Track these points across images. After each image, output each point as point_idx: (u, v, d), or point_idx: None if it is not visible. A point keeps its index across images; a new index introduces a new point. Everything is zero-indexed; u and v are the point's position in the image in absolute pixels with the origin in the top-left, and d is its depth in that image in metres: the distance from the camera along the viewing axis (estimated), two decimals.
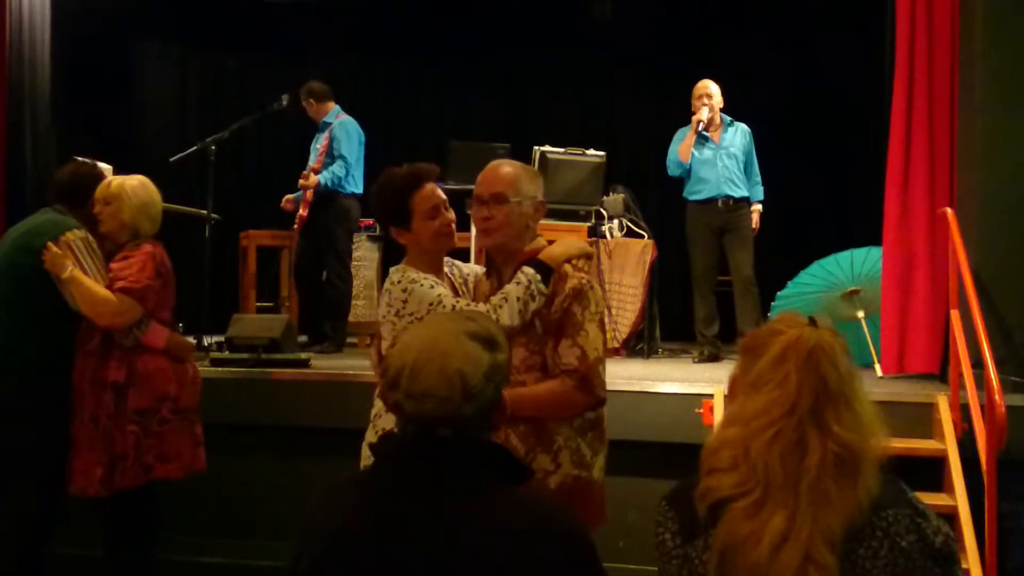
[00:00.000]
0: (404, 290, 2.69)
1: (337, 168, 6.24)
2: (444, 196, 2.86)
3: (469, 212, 2.84)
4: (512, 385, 2.49)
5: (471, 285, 2.91)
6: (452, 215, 2.85)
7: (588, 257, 2.78)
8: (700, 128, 6.07)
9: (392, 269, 2.82)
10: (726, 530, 1.51)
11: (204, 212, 5.98)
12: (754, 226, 6.19)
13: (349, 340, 6.57)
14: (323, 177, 6.25)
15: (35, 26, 6.67)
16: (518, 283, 2.62)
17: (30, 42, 6.62)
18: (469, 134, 7.24)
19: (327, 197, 6.29)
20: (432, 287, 2.69)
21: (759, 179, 6.30)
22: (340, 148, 6.28)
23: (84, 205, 3.70)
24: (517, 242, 2.71)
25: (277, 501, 4.69)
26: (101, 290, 3.49)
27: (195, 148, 6.15)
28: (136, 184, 3.69)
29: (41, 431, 3.53)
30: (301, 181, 6.34)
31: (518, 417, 2.52)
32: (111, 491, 3.47)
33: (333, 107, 6.50)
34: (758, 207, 6.26)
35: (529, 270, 2.62)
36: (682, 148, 6.14)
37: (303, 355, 5.43)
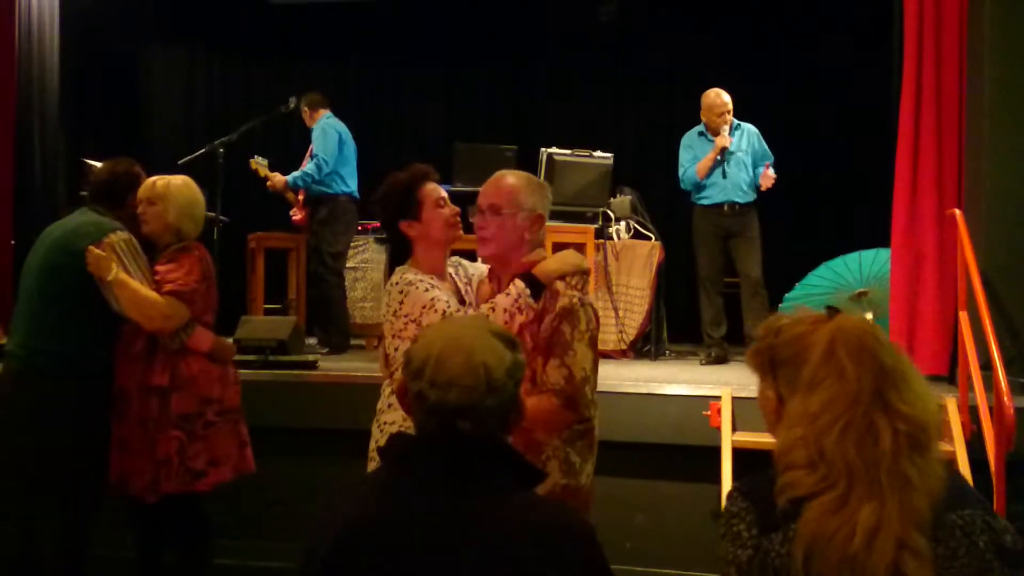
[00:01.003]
0: (401, 291, 2.78)
1: (309, 167, 6.30)
2: (445, 193, 2.95)
3: (471, 220, 2.88)
4: None
5: (474, 286, 2.95)
6: (456, 207, 2.95)
7: (584, 273, 2.72)
8: (725, 151, 6.02)
9: (398, 267, 2.89)
10: (813, 526, 1.50)
11: (212, 214, 5.98)
12: (765, 183, 6.02)
13: (356, 342, 6.58)
14: (292, 177, 6.34)
15: (44, 28, 6.70)
16: (507, 295, 2.65)
17: (39, 44, 6.65)
18: (476, 136, 7.24)
19: (317, 198, 6.36)
20: (427, 290, 2.75)
21: (769, 164, 6.17)
22: (316, 148, 6.33)
23: (123, 205, 3.66)
24: (513, 253, 2.73)
25: (285, 502, 4.70)
26: (149, 293, 3.45)
27: (203, 150, 6.16)
28: (181, 184, 3.66)
29: (79, 431, 3.47)
30: (268, 184, 6.47)
31: None
32: (157, 497, 3.46)
33: (323, 113, 6.53)
34: (767, 170, 6.04)
35: (520, 283, 2.65)
36: (700, 167, 6.09)
37: (310, 357, 5.44)
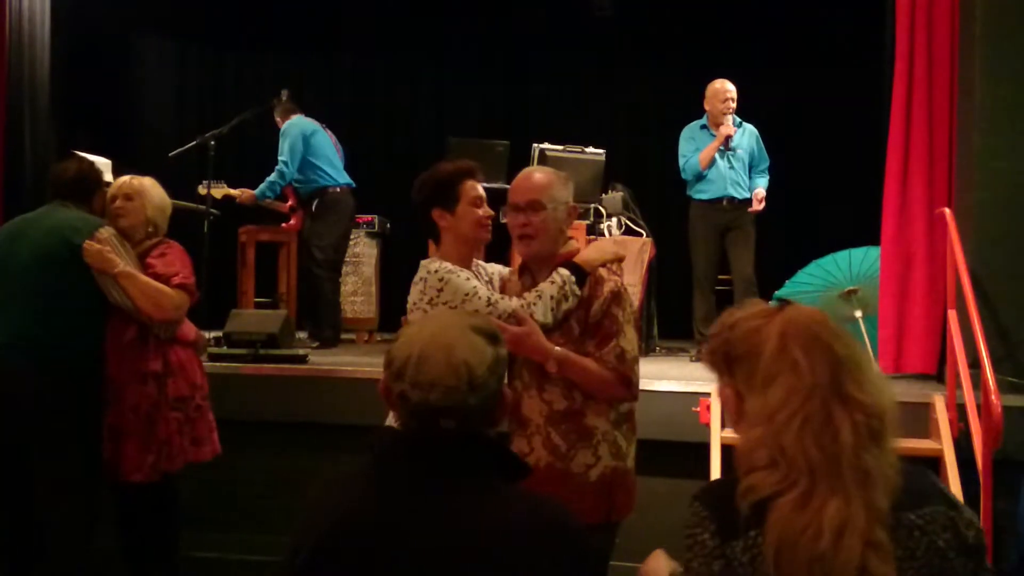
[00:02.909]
0: (441, 279, 2.74)
1: (272, 176, 6.30)
2: (484, 194, 2.94)
3: (504, 220, 2.90)
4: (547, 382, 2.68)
5: (495, 284, 2.97)
6: (491, 211, 2.94)
7: (620, 260, 2.87)
8: (729, 140, 6.05)
9: (426, 260, 2.88)
10: (779, 527, 1.47)
11: (203, 207, 5.98)
12: (756, 207, 6.09)
13: (347, 336, 6.57)
14: (259, 189, 6.36)
15: (35, 21, 6.67)
16: (552, 282, 2.71)
17: (29, 37, 6.61)
18: (468, 131, 7.25)
19: (308, 195, 6.36)
20: (468, 279, 2.76)
21: (764, 170, 6.24)
22: (280, 152, 6.31)
23: (90, 201, 3.75)
24: (553, 246, 2.79)
25: (273, 496, 4.70)
26: (161, 285, 3.60)
27: (194, 143, 6.15)
28: (151, 182, 3.84)
29: (83, 424, 3.55)
30: (237, 202, 6.50)
31: (563, 375, 2.65)
32: (159, 476, 3.62)
33: (290, 119, 6.48)
34: (760, 191, 6.14)
35: (565, 271, 2.72)
36: (703, 156, 6.10)
37: (301, 351, 5.43)
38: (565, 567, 1.57)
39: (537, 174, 2.83)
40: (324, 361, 5.41)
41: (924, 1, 5.00)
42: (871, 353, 5.24)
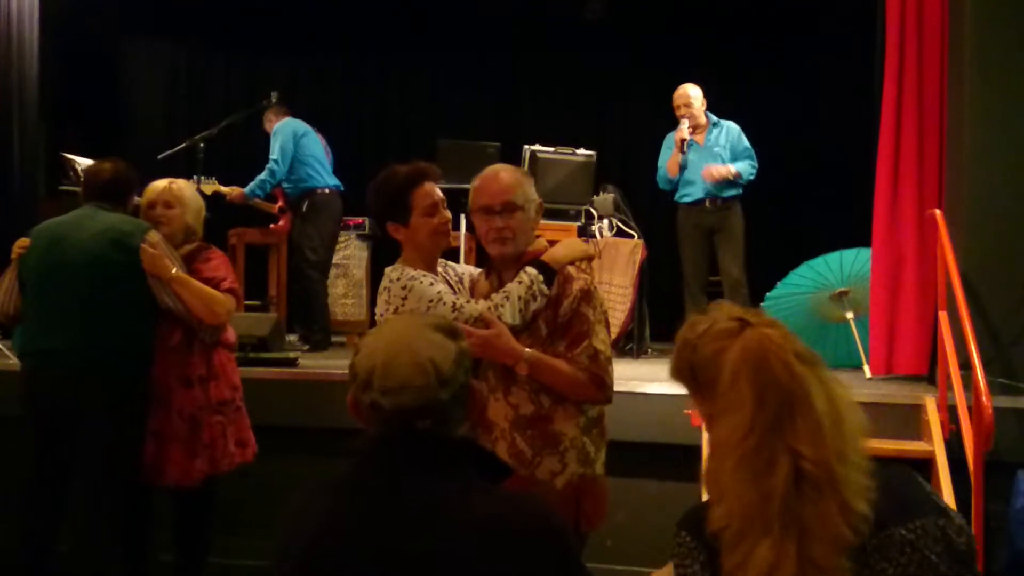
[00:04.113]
0: (404, 287, 2.69)
1: (262, 175, 6.27)
2: (442, 195, 2.86)
3: (475, 221, 2.81)
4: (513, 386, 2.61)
5: (465, 285, 2.91)
6: (449, 214, 2.86)
7: (590, 259, 2.81)
8: (684, 143, 6.09)
9: (389, 268, 2.82)
10: (723, 561, 1.45)
11: None
12: (714, 175, 5.99)
13: (337, 339, 6.55)
14: (249, 188, 6.33)
15: (23, 21, 6.63)
16: (520, 282, 2.64)
17: (18, 36, 6.58)
18: (458, 133, 7.22)
19: (298, 196, 6.34)
20: (431, 284, 2.70)
21: (745, 158, 6.14)
22: (271, 152, 6.29)
23: (125, 204, 3.73)
24: (526, 246, 2.74)
25: (263, 500, 4.66)
26: (212, 290, 3.61)
27: (184, 145, 6.13)
28: (188, 186, 3.88)
29: (133, 429, 3.55)
30: (227, 200, 6.44)
31: (535, 379, 2.59)
32: (206, 481, 3.67)
33: (280, 119, 6.46)
34: (732, 168, 6.02)
35: (532, 270, 2.65)
36: (669, 164, 6.18)
37: (291, 354, 5.41)
38: (549, 565, 1.56)
39: (504, 174, 2.74)
40: (314, 364, 5.38)
41: (914, 2, 5.01)
42: (851, 366, 5.25)
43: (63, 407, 3.46)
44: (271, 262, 7.20)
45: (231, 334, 3.86)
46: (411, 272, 2.73)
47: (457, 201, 3.99)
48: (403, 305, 2.68)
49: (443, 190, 2.90)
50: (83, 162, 5.22)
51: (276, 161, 6.23)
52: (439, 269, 2.89)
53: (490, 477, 1.66)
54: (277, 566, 1.61)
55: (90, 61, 8.24)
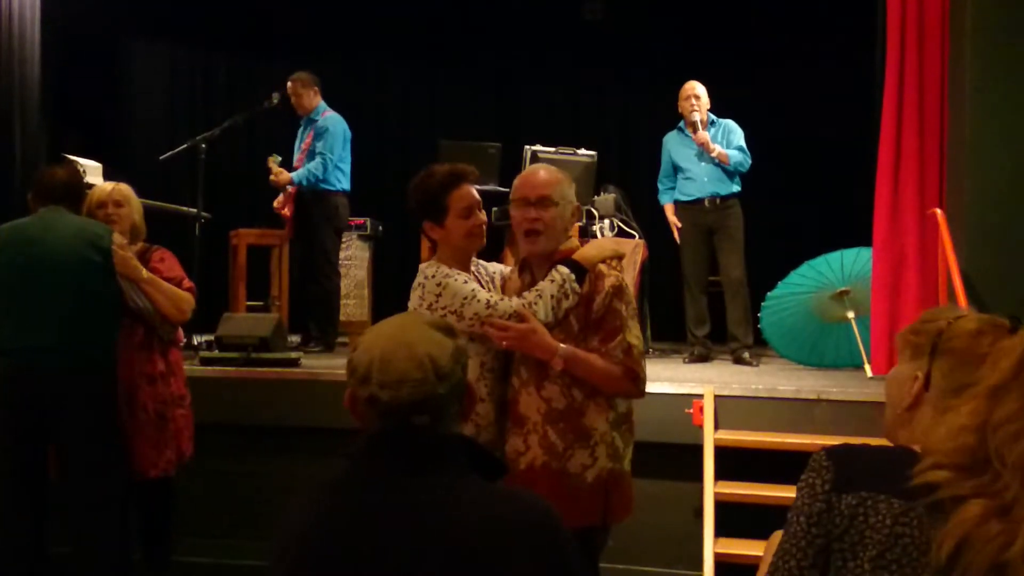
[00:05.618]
0: (439, 284, 2.74)
1: (314, 166, 6.22)
2: (479, 198, 2.90)
3: (496, 221, 2.89)
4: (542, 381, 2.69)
5: (496, 283, 2.97)
6: (484, 216, 2.91)
7: (620, 257, 2.90)
8: (699, 123, 6.04)
9: (424, 264, 2.88)
10: (970, 526, 1.49)
11: (194, 210, 5.96)
12: (711, 144, 5.99)
13: (340, 339, 6.55)
14: (298, 175, 6.24)
15: (24, 23, 6.65)
16: (552, 280, 2.71)
17: (20, 39, 6.59)
18: (459, 133, 7.22)
19: (313, 194, 6.27)
20: (466, 282, 2.76)
21: (738, 147, 6.11)
22: (323, 145, 6.26)
23: (79, 206, 3.77)
24: (557, 244, 2.80)
25: (264, 501, 4.67)
26: (177, 289, 3.76)
27: (185, 146, 6.12)
28: (128, 187, 3.94)
29: (112, 419, 3.63)
30: (272, 178, 6.32)
31: (570, 373, 2.65)
32: (174, 469, 3.82)
33: (319, 103, 6.46)
34: (724, 151, 6.02)
35: (564, 269, 2.72)
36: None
37: (293, 354, 5.42)
38: (546, 560, 1.56)
39: (544, 171, 2.84)
40: (316, 364, 5.39)
41: (915, 2, 5.01)
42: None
43: (46, 404, 3.47)
44: (273, 263, 7.19)
45: (180, 333, 4.01)
46: (446, 270, 2.78)
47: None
48: (437, 301, 2.73)
49: None
50: (84, 163, 5.22)
51: (328, 159, 6.21)
52: (472, 268, 2.94)
53: (487, 474, 1.66)
54: (273, 566, 1.61)
55: (91, 62, 8.24)
